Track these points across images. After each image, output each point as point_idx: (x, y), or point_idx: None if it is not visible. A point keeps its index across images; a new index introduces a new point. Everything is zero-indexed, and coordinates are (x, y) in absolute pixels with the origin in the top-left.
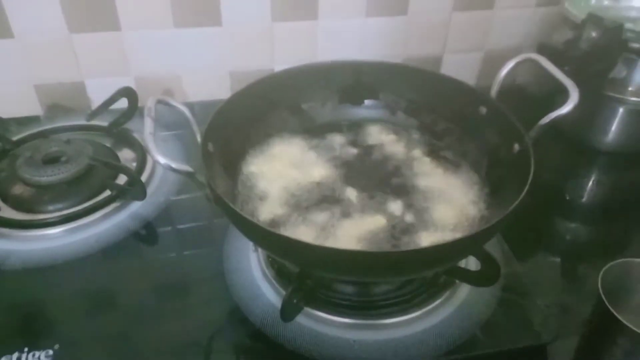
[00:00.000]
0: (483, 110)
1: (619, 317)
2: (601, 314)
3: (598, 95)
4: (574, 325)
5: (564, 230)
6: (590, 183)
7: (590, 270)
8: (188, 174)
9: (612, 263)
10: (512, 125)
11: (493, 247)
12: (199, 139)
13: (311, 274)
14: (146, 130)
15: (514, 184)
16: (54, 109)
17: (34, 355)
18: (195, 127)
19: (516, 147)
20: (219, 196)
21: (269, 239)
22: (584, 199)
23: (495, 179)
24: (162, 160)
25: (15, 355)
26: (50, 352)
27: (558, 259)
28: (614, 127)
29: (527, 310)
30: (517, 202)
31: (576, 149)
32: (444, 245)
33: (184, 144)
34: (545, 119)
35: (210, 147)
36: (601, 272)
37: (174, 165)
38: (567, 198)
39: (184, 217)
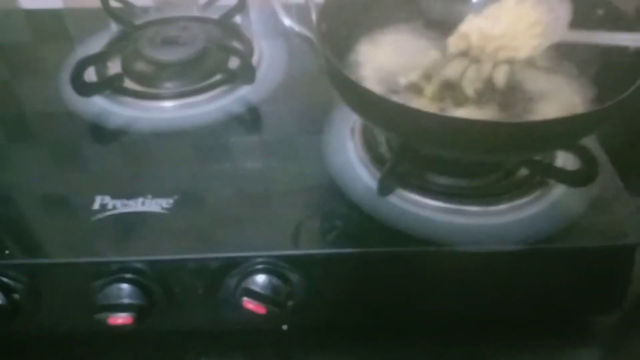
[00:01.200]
0: (600, 12)
1: None
2: None
3: None
4: None
5: None
6: None
7: None
8: (308, 40)
9: None
10: (629, 25)
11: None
12: (314, 17)
13: (405, 157)
14: None
15: (627, 85)
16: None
17: (156, 202)
18: (311, 5)
19: (631, 48)
20: (332, 60)
21: (382, 107)
22: None
23: (606, 82)
24: (287, 22)
25: (140, 199)
26: (171, 200)
27: None
28: None
29: (620, 214)
30: (632, 89)
31: None
32: (572, 117)
33: None
34: None
35: (323, 27)
36: None
37: (296, 28)
38: None
39: (287, 105)
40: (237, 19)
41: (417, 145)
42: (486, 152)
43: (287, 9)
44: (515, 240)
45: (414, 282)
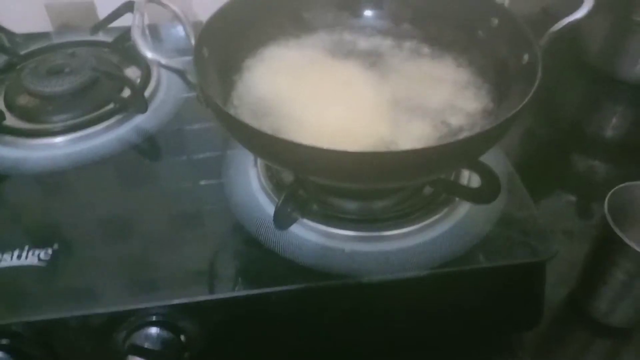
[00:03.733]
0: (495, 21)
1: (623, 237)
2: (605, 234)
3: (627, 21)
4: (577, 250)
5: (582, 167)
6: (614, 117)
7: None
8: (178, 72)
9: (621, 185)
10: (522, 34)
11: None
12: (192, 42)
13: (305, 184)
14: (134, 24)
15: (519, 97)
16: (64, 29)
17: (33, 253)
18: (188, 29)
19: (525, 57)
20: (208, 95)
21: (257, 139)
22: (605, 134)
23: (501, 93)
24: (149, 54)
25: (16, 252)
26: (50, 250)
27: (572, 197)
28: None
29: (528, 229)
30: (518, 108)
31: (600, 81)
32: (444, 147)
33: None
34: (557, 26)
35: (205, 52)
36: (609, 194)
37: (163, 61)
38: (587, 133)
39: (186, 132)
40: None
41: (311, 178)
42: (379, 181)
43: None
44: (426, 262)
45: (324, 317)
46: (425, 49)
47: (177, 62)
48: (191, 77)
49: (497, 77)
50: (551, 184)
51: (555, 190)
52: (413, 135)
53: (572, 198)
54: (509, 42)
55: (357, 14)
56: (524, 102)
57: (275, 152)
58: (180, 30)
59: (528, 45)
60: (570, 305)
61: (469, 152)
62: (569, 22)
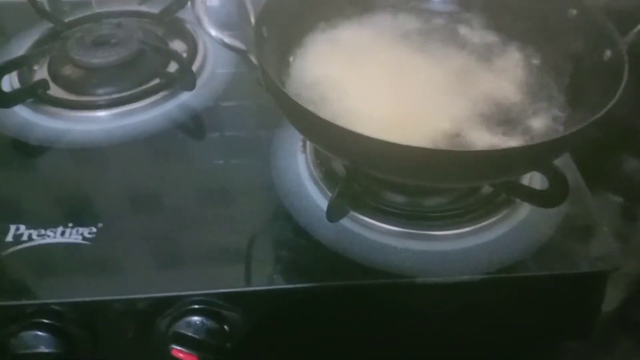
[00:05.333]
0: (573, 12)
1: None
2: None
3: None
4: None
5: (630, 167)
6: None
7: None
8: (240, 52)
9: None
10: (604, 29)
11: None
12: (252, 20)
13: (359, 177)
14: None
15: (599, 97)
16: None
17: (77, 231)
18: (249, 7)
19: (607, 53)
20: (270, 78)
21: (320, 128)
22: None
23: (575, 90)
24: (213, 32)
25: (60, 229)
26: (94, 229)
27: (619, 198)
28: None
29: (590, 237)
30: (604, 111)
31: None
32: (526, 148)
33: None
34: None
35: (265, 31)
36: None
37: (226, 40)
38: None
39: (233, 110)
40: (181, 13)
41: (369, 171)
42: (446, 179)
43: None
44: (480, 266)
45: (370, 316)
46: (494, 38)
47: (238, 41)
48: (253, 59)
49: (572, 73)
50: (596, 184)
51: (601, 190)
52: (476, 130)
53: (618, 199)
54: (587, 37)
55: None
56: (611, 103)
57: (337, 143)
58: (221, 5)
59: (611, 41)
60: (621, 313)
61: (550, 154)
62: None
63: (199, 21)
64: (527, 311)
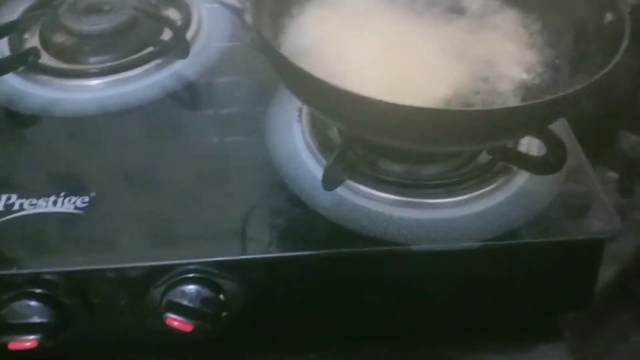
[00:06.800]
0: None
1: None
2: None
3: None
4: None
5: (628, 143)
6: None
7: None
8: (236, 10)
9: None
10: None
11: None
12: None
13: (355, 144)
14: None
15: (599, 60)
16: None
17: (70, 200)
18: None
19: (608, 16)
20: (265, 37)
21: (315, 88)
22: None
23: (578, 55)
24: None
25: (52, 198)
26: (87, 198)
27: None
28: None
29: (588, 204)
30: (601, 74)
31: None
32: (527, 107)
33: None
34: None
35: None
36: None
37: None
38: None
39: (228, 82)
40: None
41: (365, 135)
42: (444, 142)
43: None
44: (476, 234)
45: (367, 284)
46: (495, 3)
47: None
48: (248, 18)
49: (574, 37)
50: (593, 160)
51: (597, 166)
52: (475, 94)
53: (614, 175)
54: (589, 1)
55: None
56: (611, 64)
57: (332, 103)
58: None
59: (612, 3)
60: (620, 286)
61: (547, 115)
62: None
63: None
64: (524, 281)
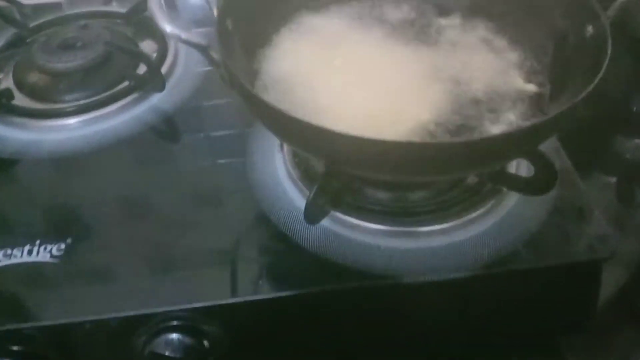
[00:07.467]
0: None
1: None
2: None
3: None
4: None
5: (624, 147)
6: None
7: None
8: (200, 48)
9: None
10: (585, 3)
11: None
12: (215, 12)
13: (338, 173)
14: None
15: (582, 76)
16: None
17: (45, 248)
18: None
19: (589, 30)
20: (234, 74)
21: (288, 125)
22: None
23: (559, 71)
24: (169, 28)
25: (27, 247)
26: (63, 245)
27: (611, 179)
28: None
29: (583, 224)
30: (589, 89)
31: None
32: (508, 135)
33: None
34: None
35: (229, 24)
36: None
37: (183, 35)
38: (633, 111)
39: (206, 110)
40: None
41: (345, 169)
42: (427, 173)
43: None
44: (468, 262)
45: (355, 320)
46: (474, 22)
47: (199, 35)
48: (214, 54)
49: (555, 53)
50: (587, 165)
51: (593, 172)
52: (458, 120)
53: (611, 180)
54: (569, 12)
55: None
56: (591, 86)
57: (310, 141)
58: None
59: (593, 15)
60: (621, 304)
61: (534, 139)
62: None
63: (154, 17)
64: (520, 306)
